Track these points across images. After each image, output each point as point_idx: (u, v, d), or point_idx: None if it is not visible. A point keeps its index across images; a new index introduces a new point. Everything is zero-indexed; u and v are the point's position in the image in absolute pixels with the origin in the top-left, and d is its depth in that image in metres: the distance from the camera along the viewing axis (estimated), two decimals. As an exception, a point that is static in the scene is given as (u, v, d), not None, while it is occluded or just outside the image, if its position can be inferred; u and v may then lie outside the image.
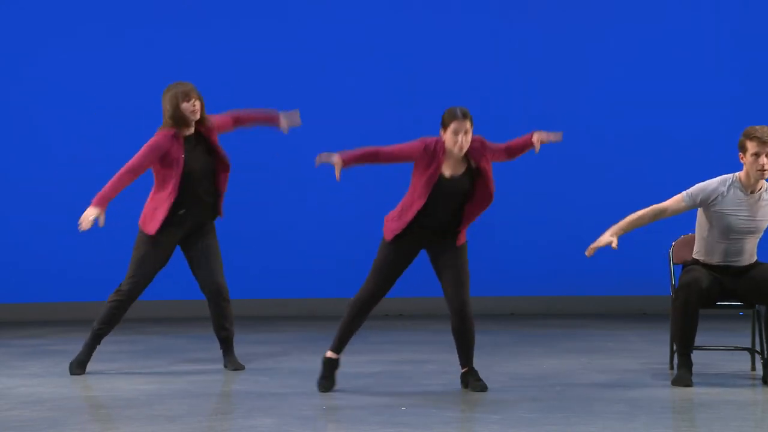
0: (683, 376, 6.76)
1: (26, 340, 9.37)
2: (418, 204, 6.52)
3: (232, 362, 7.53)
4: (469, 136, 6.53)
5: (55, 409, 6.17)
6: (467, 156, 6.60)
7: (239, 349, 7.82)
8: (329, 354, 6.77)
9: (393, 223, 6.62)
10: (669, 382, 6.84)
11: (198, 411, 6.18)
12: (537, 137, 6.71)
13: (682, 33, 11.01)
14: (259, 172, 10.91)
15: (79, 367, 7.35)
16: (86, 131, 10.86)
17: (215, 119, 7.53)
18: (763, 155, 6.71)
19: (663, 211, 6.98)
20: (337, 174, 6.56)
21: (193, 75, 10.90)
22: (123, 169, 7.18)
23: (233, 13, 11.05)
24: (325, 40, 11.03)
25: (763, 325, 6.95)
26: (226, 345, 7.56)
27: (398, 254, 6.62)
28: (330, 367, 6.74)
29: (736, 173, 6.86)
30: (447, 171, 6.57)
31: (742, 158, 6.80)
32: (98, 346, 7.44)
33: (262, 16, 11.06)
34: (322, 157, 6.57)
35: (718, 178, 6.89)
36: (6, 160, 10.90)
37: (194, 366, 7.74)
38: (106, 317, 7.37)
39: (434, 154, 6.53)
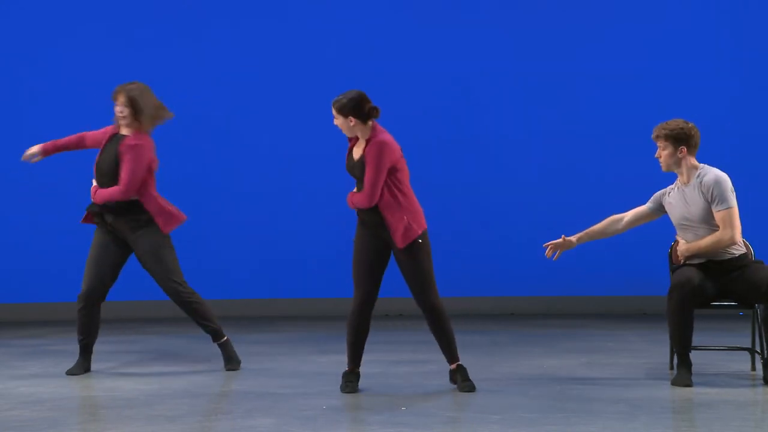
0: (683, 376, 6.76)
1: (26, 340, 9.37)
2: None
3: (227, 360, 7.52)
4: (338, 122, 6.59)
5: (55, 409, 6.17)
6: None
7: (239, 349, 7.81)
8: (348, 368, 6.76)
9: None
10: (669, 382, 6.84)
11: (198, 411, 6.18)
12: None
13: (682, 33, 11.01)
14: (261, 172, 10.92)
15: (76, 372, 7.35)
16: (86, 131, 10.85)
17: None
18: (659, 149, 6.95)
19: (618, 219, 7.27)
20: None
21: (192, 76, 10.95)
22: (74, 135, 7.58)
23: (232, 13, 11.06)
24: (325, 40, 11.04)
25: (762, 325, 6.94)
26: (214, 338, 7.53)
27: (362, 248, 6.59)
28: (349, 376, 6.74)
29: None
30: (356, 153, 6.63)
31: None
32: (93, 353, 7.45)
33: (261, 17, 11.06)
34: None
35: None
36: (6, 160, 10.90)
37: (194, 366, 7.73)
38: (81, 327, 7.36)
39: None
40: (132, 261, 7.45)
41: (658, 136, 6.94)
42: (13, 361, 8.08)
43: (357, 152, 6.60)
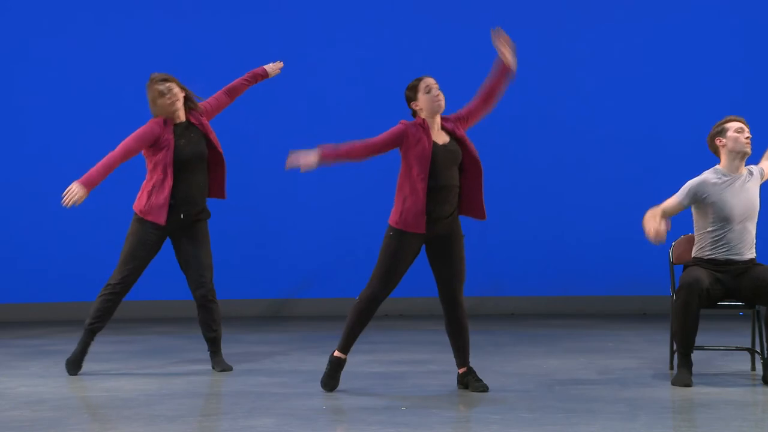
0: (683, 376, 6.77)
1: (26, 340, 9.38)
2: (422, 180, 6.43)
3: (219, 363, 7.50)
4: (441, 93, 6.55)
5: (55, 409, 6.18)
6: (444, 128, 6.60)
7: (239, 349, 7.82)
8: (337, 354, 6.73)
9: (408, 214, 6.46)
10: (669, 382, 6.84)
11: (198, 411, 6.18)
12: (500, 43, 6.80)
13: (681, 34, 11.01)
14: (259, 172, 10.92)
15: (74, 366, 7.35)
16: (85, 130, 10.85)
17: (207, 104, 7.56)
18: (747, 130, 7.00)
19: (664, 210, 7.01)
20: (303, 169, 6.48)
21: (185, 69, 10.96)
22: (113, 153, 7.23)
23: (226, 7, 11.05)
24: (323, 41, 11.04)
25: (763, 325, 6.95)
26: (214, 346, 7.53)
27: (410, 247, 6.50)
28: (336, 366, 6.71)
29: (715, 166, 7.02)
30: (438, 140, 6.56)
31: (720, 143, 6.97)
32: (93, 344, 7.43)
33: (260, 17, 11.06)
34: (296, 159, 6.45)
35: (703, 174, 6.99)
36: (6, 160, 10.91)
37: (194, 366, 7.74)
38: (98, 312, 7.36)
39: (421, 127, 6.54)
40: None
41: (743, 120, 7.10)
42: (13, 361, 8.08)
43: (440, 139, 6.57)
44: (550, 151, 11.01)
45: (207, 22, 10.99)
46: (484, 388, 6.59)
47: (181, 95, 7.34)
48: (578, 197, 10.97)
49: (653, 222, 6.79)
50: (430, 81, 6.57)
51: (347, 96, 11.00)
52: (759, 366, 7.19)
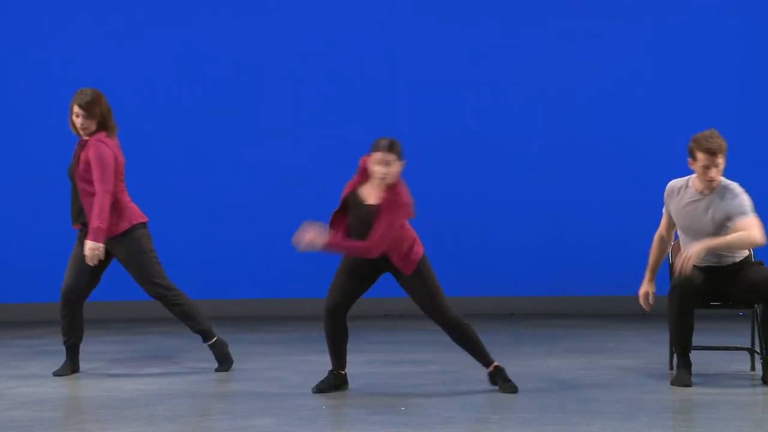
0: (682, 376, 6.77)
1: (26, 340, 9.38)
2: (345, 226, 6.67)
3: (219, 361, 7.48)
4: (394, 168, 6.37)
5: (55, 409, 6.18)
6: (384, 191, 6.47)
7: (239, 349, 7.80)
8: (336, 371, 6.76)
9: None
10: (669, 382, 6.84)
11: (198, 411, 6.18)
12: None
13: (681, 34, 11.01)
14: (259, 172, 10.91)
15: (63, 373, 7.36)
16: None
17: (104, 154, 7.24)
18: (712, 168, 6.64)
19: (662, 235, 7.03)
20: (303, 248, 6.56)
21: (185, 69, 10.95)
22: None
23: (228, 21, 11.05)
24: (323, 41, 11.04)
25: (761, 325, 6.94)
26: (206, 338, 7.46)
27: (351, 271, 6.68)
28: (334, 379, 6.74)
29: (692, 176, 6.83)
30: (365, 195, 6.55)
31: (691, 164, 6.74)
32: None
33: (256, 12, 11.06)
34: (302, 236, 6.54)
35: (674, 181, 6.90)
36: (6, 160, 10.91)
37: (194, 366, 7.73)
38: (64, 328, 7.37)
39: (360, 170, 6.56)
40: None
41: (719, 151, 6.63)
42: (13, 361, 8.08)
43: (369, 195, 6.50)
44: (550, 150, 11.01)
45: (207, 22, 10.99)
46: (513, 389, 6.54)
47: (78, 119, 7.23)
48: (578, 197, 10.96)
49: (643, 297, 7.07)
50: (384, 157, 6.40)
51: (347, 96, 11.00)
52: (759, 366, 7.19)
